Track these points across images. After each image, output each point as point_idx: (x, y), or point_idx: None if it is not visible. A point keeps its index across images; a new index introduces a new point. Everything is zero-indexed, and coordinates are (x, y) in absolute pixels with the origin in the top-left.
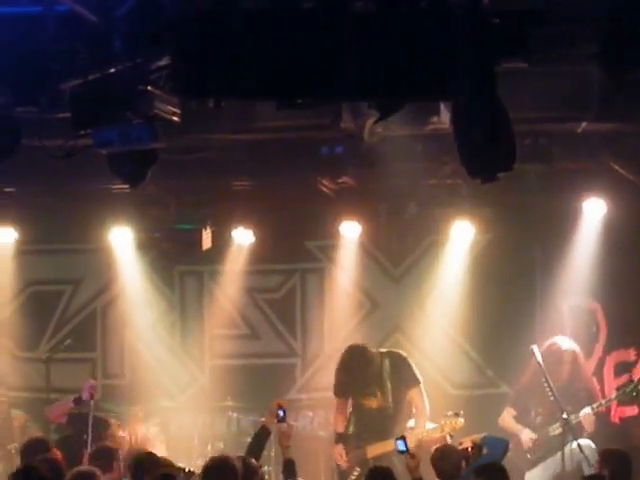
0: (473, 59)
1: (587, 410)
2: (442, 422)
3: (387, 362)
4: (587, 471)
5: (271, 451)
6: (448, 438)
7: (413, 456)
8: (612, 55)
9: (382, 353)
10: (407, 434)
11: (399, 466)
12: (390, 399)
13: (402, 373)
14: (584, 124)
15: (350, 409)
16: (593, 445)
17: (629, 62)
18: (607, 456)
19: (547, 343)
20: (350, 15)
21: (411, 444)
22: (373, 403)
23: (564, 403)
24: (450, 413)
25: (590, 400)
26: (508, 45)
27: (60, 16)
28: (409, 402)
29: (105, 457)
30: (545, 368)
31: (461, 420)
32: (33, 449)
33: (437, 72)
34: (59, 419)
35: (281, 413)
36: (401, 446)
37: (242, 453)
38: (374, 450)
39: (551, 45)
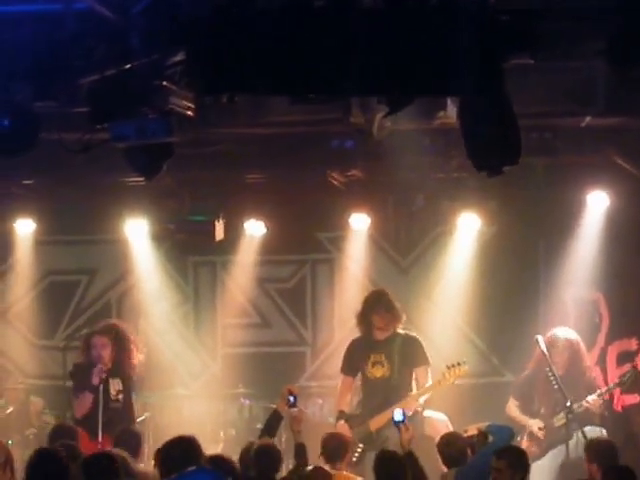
0: (480, 55)
1: (593, 396)
2: (445, 372)
3: (399, 339)
4: None
5: (282, 437)
6: (449, 424)
7: (407, 428)
8: (618, 51)
9: (397, 332)
10: (411, 394)
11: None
12: (395, 371)
13: (412, 351)
14: (588, 119)
15: (360, 396)
16: (604, 432)
17: (635, 58)
18: (593, 448)
19: (547, 334)
20: (360, 12)
21: (419, 398)
22: (378, 372)
23: (575, 391)
24: (453, 363)
25: (590, 389)
26: (515, 42)
27: (78, 13)
28: (413, 379)
29: (132, 442)
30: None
31: (465, 367)
32: (60, 436)
33: (445, 68)
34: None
35: (292, 399)
36: (398, 416)
37: (254, 439)
38: (376, 423)
39: (557, 41)
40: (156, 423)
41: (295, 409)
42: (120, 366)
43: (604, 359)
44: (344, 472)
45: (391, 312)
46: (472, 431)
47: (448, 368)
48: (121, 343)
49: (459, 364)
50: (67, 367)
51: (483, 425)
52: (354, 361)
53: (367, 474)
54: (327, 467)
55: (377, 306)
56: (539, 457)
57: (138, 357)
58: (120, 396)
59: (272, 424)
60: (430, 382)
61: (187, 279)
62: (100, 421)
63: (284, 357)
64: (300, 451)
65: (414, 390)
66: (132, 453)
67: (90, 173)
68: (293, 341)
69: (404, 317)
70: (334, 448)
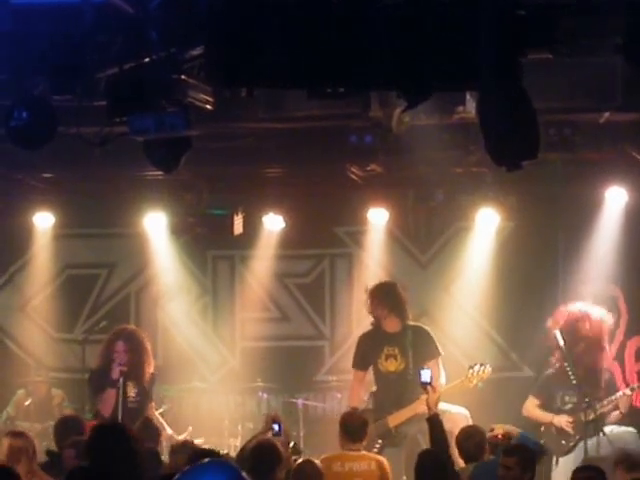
0: (499, 50)
1: (617, 395)
2: (468, 374)
3: (411, 332)
4: None
5: (300, 431)
6: (470, 419)
7: (434, 390)
8: (636, 47)
9: (407, 324)
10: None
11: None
12: (410, 364)
13: (424, 344)
14: (607, 114)
15: (373, 388)
16: (633, 430)
17: None
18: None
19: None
20: (379, 6)
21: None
22: (391, 366)
23: (593, 388)
24: (476, 364)
25: (611, 388)
26: (534, 37)
27: (97, 6)
28: None
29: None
30: (566, 348)
31: (489, 368)
32: (66, 427)
33: (464, 62)
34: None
35: (276, 427)
36: (426, 377)
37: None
38: (395, 419)
39: (576, 37)
40: (174, 416)
41: (281, 437)
42: (136, 372)
43: (622, 354)
44: (363, 452)
45: (379, 307)
46: (498, 430)
47: (471, 368)
48: (139, 351)
49: (482, 365)
50: (86, 360)
51: (515, 430)
52: (366, 355)
53: None
54: (347, 447)
55: (368, 299)
56: (568, 452)
57: (151, 367)
58: (138, 398)
59: None
60: (443, 373)
61: (206, 273)
62: (120, 416)
63: (302, 351)
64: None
65: None
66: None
67: (109, 166)
68: (311, 335)
69: (399, 310)
70: (356, 428)
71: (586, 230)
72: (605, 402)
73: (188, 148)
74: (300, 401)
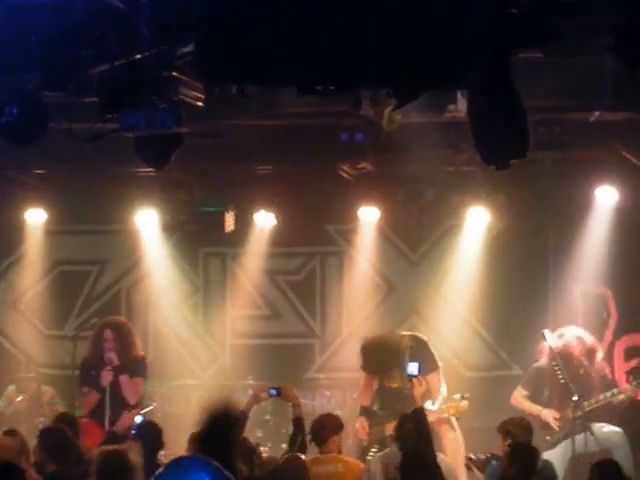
0: (489, 49)
1: (607, 394)
2: (447, 404)
3: (408, 349)
4: (617, 457)
5: (289, 430)
6: (454, 420)
7: (420, 382)
8: (626, 46)
9: (404, 336)
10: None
11: None
12: (408, 383)
13: (422, 357)
14: (597, 113)
15: (376, 387)
16: (620, 430)
17: None
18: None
19: (559, 340)
20: (369, 5)
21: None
22: (394, 383)
23: (579, 387)
24: (457, 396)
25: (606, 387)
26: (524, 35)
27: (88, 3)
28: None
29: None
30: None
31: (465, 403)
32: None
33: (454, 61)
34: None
35: (274, 391)
36: (412, 369)
37: (261, 431)
38: (391, 428)
39: (566, 36)
40: (165, 413)
41: (279, 395)
42: (126, 361)
43: (611, 354)
44: (333, 454)
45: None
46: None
47: (451, 399)
48: (126, 337)
49: (462, 398)
50: (77, 357)
51: None
52: (372, 364)
53: None
54: (319, 450)
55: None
56: (551, 447)
57: (140, 351)
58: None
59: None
60: (444, 385)
61: (197, 270)
62: (107, 415)
63: (293, 349)
64: (298, 424)
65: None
66: (152, 444)
67: (101, 163)
68: (302, 333)
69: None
70: (317, 432)
71: (576, 229)
72: (596, 399)
73: (178, 145)
74: None
